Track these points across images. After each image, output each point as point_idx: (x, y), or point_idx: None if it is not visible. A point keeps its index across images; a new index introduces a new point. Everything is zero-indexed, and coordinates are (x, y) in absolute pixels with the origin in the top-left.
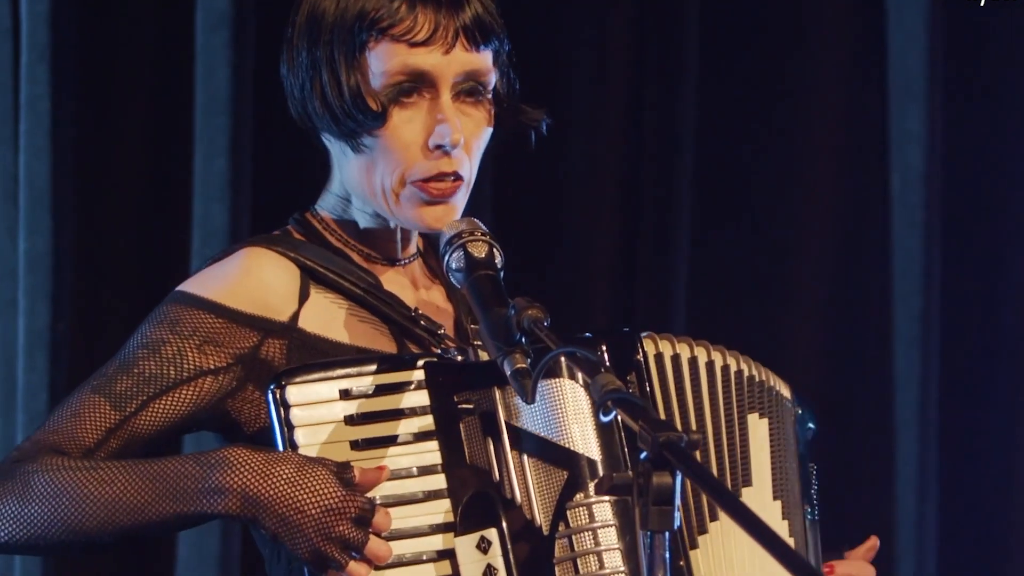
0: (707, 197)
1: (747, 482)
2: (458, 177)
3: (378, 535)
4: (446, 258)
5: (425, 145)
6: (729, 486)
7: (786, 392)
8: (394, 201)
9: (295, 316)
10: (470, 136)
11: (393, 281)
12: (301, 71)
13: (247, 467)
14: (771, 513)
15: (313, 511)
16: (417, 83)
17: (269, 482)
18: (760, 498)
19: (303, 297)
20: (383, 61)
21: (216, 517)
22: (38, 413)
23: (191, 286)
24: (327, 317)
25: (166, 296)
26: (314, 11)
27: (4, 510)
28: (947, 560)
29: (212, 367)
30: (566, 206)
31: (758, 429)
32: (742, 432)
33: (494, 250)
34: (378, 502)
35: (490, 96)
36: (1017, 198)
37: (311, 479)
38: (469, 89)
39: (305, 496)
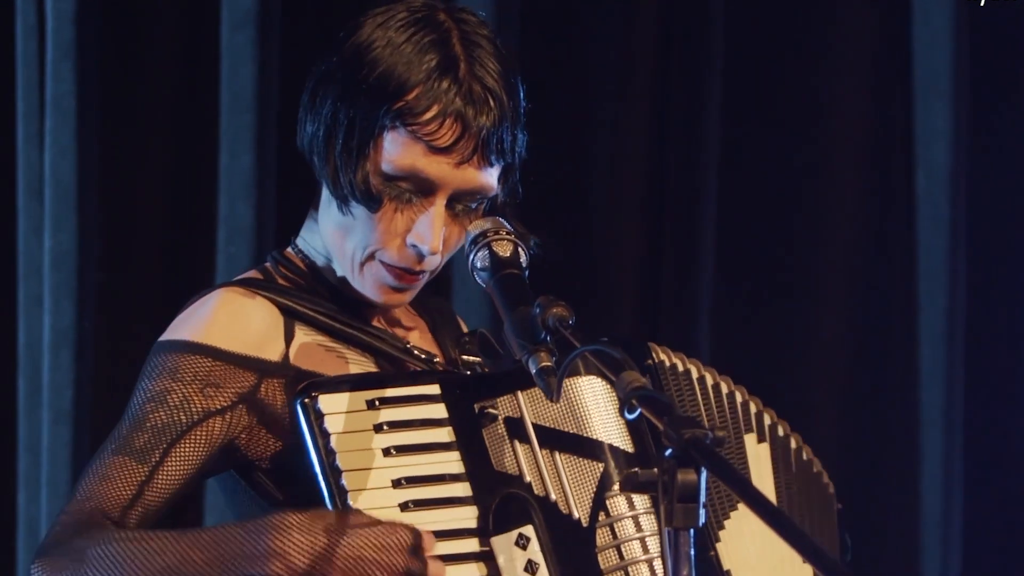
0: (732, 195)
1: None
2: (424, 272)
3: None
4: (471, 257)
5: (404, 239)
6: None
7: (809, 455)
8: (358, 271)
9: (285, 356)
10: (451, 239)
11: (376, 318)
12: (320, 118)
13: (296, 527)
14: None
15: (370, 553)
16: (419, 185)
17: (319, 538)
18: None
19: (288, 337)
20: (397, 153)
21: None
22: (63, 411)
23: (177, 333)
24: (316, 356)
25: (152, 348)
26: (356, 60)
27: None
28: (972, 557)
29: (218, 408)
30: (591, 204)
31: (758, 451)
32: (739, 450)
33: (519, 249)
34: (413, 506)
35: (485, 204)
36: None
37: (353, 524)
38: (466, 201)
39: (356, 541)
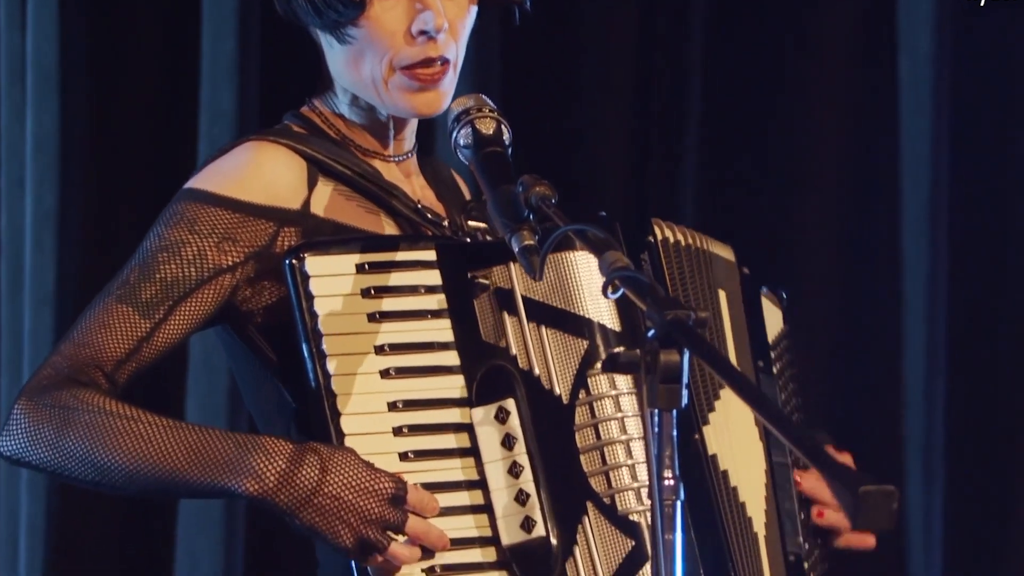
0: (717, 79)
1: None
2: (445, 61)
3: (423, 516)
4: (453, 135)
5: (409, 32)
6: None
7: (729, 255)
8: (384, 89)
9: (306, 203)
10: (454, 19)
11: (390, 176)
12: None
13: (284, 455)
14: None
15: (348, 495)
16: None
17: (302, 470)
18: None
19: (311, 186)
20: None
21: (242, 497)
22: (45, 295)
23: (202, 183)
24: (336, 206)
25: (176, 194)
26: None
27: (42, 436)
28: (955, 476)
29: (230, 264)
30: (578, 86)
31: (721, 302)
32: (717, 311)
33: (502, 127)
34: (394, 373)
35: None
36: None
37: (340, 462)
38: None
39: (338, 479)
